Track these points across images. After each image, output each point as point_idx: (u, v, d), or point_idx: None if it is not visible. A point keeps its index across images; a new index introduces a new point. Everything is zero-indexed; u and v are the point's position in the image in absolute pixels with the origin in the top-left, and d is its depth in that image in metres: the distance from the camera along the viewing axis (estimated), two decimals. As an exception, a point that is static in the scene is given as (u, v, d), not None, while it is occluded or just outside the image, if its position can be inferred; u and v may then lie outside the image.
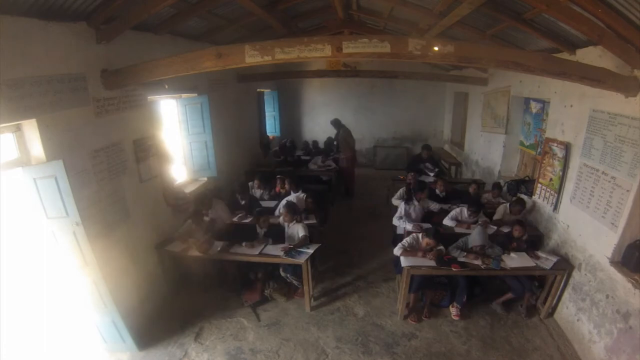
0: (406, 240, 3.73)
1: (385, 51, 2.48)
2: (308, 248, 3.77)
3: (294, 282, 3.89)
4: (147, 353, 3.25)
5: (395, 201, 4.97)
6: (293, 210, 4.09)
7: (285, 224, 4.12)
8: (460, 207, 4.42)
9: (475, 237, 3.61)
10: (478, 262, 3.46)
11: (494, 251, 3.60)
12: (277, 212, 4.57)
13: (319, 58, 2.64)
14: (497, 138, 5.86)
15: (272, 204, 4.98)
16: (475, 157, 7.01)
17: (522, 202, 4.25)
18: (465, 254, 3.58)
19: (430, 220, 4.52)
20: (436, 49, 2.44)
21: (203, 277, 4.04)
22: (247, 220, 4.51)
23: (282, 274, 3.89)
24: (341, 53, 2.52)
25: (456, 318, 3.66)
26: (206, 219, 4.16)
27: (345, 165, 6.90)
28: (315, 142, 8.44)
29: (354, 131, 7.21)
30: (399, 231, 4.49)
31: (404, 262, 3.52)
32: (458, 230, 4.18)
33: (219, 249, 3.75)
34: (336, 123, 7.12)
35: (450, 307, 3.74)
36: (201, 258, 3.71)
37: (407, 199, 4.62)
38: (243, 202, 4.86)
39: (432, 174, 6.19)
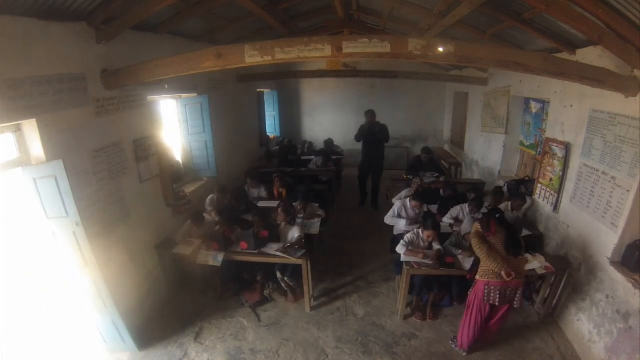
0: (407, 237, 3.71)
1: (385, 51, 2.48)
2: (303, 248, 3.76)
3: (290, 284, 3.85)
4: (147, 353, 3.25)
5: (395, 201, 4.91)
6: (288, 211, 4.00)
7: (282, 224, 4.03)
8: (461, 205, 4.41)
9: (466, 226, 3.62)
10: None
11: None
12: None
13: (319, 58, 2.64)
14: (497, 138, 5.85)
15: (274, 203, 4.95)
16: (475, 157, 7.01)
17: (523, 197, 4.28)
18: (460, 251, 3.58)
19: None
20: (441, 49, 2.44)
21: (203, 279, 4.03)
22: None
23: (279, 276, 3.84)
24: (341, 53, 2.52)
25: None
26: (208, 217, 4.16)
27: None
28: (310, 144, 8.45)
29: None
30: (396, 232, 4.39)
31: (404, 258, 3.52)
32: (456, 229, 4.16)
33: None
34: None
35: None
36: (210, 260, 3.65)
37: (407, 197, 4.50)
38: (242, 208, 4.84)
39: (432, 179, 5.99)
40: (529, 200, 4.37)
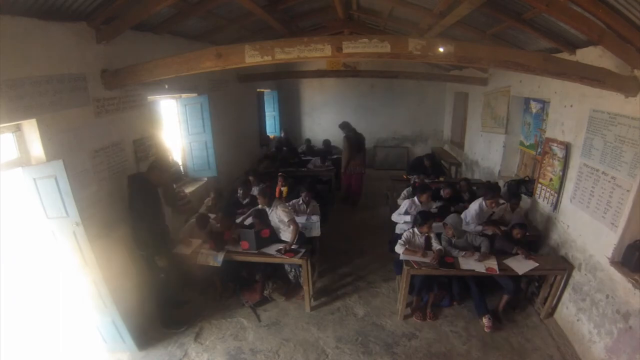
0: (404, 236, 3.72)
1: (385, 51, 2.48)
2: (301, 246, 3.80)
3: (300, 280, 3.91)
4: (147, 353, 3.25)
5: (400, 201, 4.91)
6: (264, 193, 4.08)
7: (268, 210, 4.07)
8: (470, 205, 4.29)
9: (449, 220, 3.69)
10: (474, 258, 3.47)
11: (476, 239, 3.68)
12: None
13: (319, 58, 2.64)
14: (497, 138, 5.85)
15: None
16: (475, 157, 7.01)
17: (519, 196, 4.36)
18: (463, 253, 3.56)
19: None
20: (441, 49, 2.44)
21: (203, 279, 4.02)
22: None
23: (287, 267, 3.95)
24: (341, 53, 2.52)
25: (488, 330, 3.44)
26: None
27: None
28: (308, 141, 8.44)
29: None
30: (398, 230, 4.41)
31: (403, 257, 3.53)
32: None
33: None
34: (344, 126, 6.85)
35: (483, 318, 3.52)
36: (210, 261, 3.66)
37: (411, 196, 4.56)
38: (245, 201, 4.85)
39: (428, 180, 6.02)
40: (528, 201, 4.37)
